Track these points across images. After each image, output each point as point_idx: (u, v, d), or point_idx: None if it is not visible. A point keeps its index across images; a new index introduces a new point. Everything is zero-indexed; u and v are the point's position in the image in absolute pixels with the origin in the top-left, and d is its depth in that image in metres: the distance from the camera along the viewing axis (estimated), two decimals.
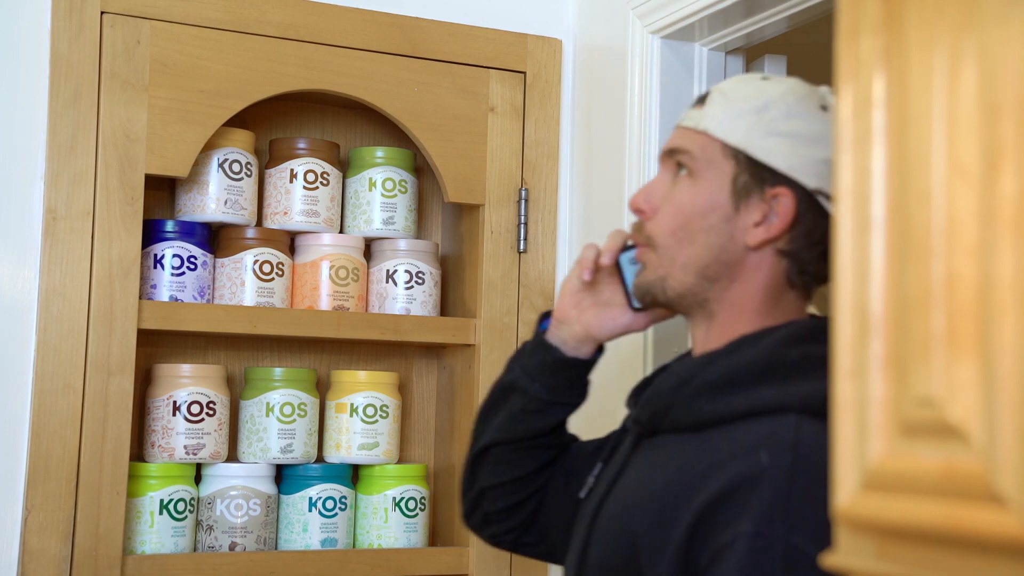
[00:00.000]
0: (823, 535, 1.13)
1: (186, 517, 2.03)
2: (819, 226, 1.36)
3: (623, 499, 1.38)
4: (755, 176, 1.36)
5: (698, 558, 1.24)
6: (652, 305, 1.46)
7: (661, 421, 1.37)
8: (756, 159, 1.36)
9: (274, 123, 2.27)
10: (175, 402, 2.04)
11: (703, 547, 1.23)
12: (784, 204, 1.35)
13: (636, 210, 1.44)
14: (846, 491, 0.89)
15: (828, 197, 1.35)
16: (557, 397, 1.56)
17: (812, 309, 1.46)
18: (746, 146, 1.36)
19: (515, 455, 1.59)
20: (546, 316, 1.62)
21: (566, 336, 1.56)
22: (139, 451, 2.08)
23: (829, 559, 0.91)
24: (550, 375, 1.56)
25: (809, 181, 1.35)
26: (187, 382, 2.06)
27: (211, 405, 2.06)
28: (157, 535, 2.00)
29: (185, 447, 2.04)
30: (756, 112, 1.37)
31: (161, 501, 2.00)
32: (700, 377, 1.34)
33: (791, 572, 1.19)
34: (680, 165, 1.41)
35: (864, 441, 0.88)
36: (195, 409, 2.05)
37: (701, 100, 1.43)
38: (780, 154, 1.35)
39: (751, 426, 1.28)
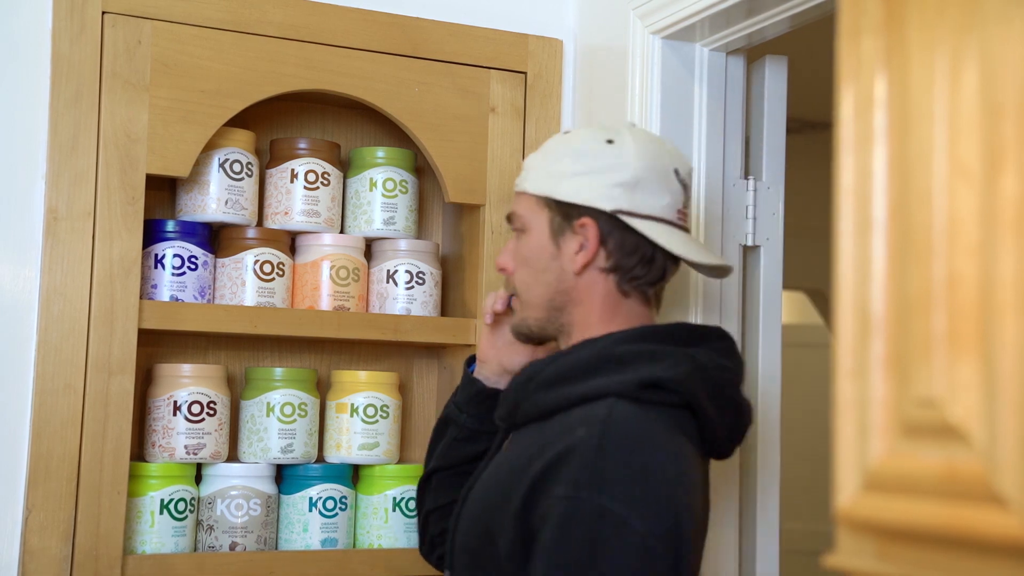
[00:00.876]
0: (630, 496, 1.41)
1: (186, 517, 2.03)
2: (628, 239, 1.62)
3: (482, 487, 1.63)
4: (564, 215, 1.63)
5: (532, 523, 1.46)
6: (528, 341, 1.72)
7: (516, 415, 1.62)
8: (561, 201, 1.63)
9: (275, 123, 2.27)
10: (176, 402, 2.04)
11: (533, 513, 1.46)
12: (590, 231, 1.61)
13: (500, 269, 1.72)
14: (847, 491, 0.89)
15: (628, 213, 1.60)
16: (483, 426, 1.80)
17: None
18: (551, 193, 1.63)
19: (452, 479, 1.82)
20: (473, 359, 1.89)
21: (487, 372, 1.82)
22: (139, 451, 2.08)
23: (830, 559, 0.91)
24: (476, 406, 1.81)
25: (606, 205, 1.61)
26: (188, 382, 2.06)
27: (211, 405, 2.07)
28: (157, 535, 2.00)
29: (185, 447, 2.04)
30: (554, 163, 1.64)
31: (161, 501, 2.00)
32: (542, 374, 1.59)
33: (600, 529, 1.40)
34: (516, 228, 1.68)
35: (865, 441, 0.88)
36: (196, 409, 2.05)
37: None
38: (576, 191, 1.61)
39: (580, 411, 1.52)
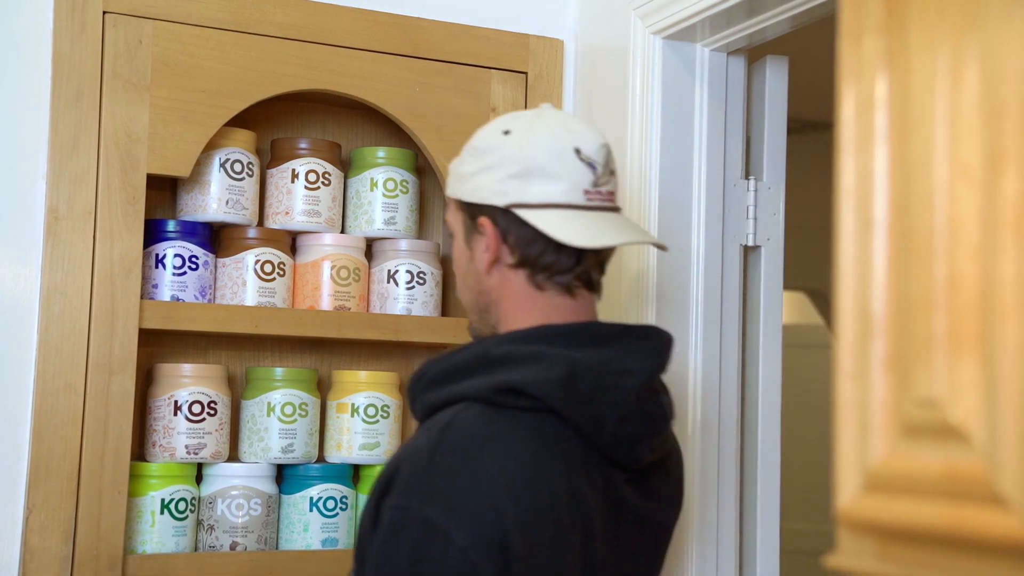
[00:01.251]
0: (454, 507, 1.37)
1: (187, 517, 2.03)
2: (526, 232, 1.54)
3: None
4: (470, 216, 1.58)
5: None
6: None
7: (414, 411, 1.59)
8: (466, 202, 1.58)
9: (275, 123, 2.27)
10: (176, 402, 2.04)
11: (379, 519, 1.44)
12: (487, 229, 1.56)
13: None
14: (847, 492, 0.89)
15: (521, 205, 1.54)
16: None
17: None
18: (459, 195, 1.60)
19: None
20: None
21: None
22: (140, 451, 2.08)
23: (831, 560, 0.91)
24: None
25: (499, 201, 1.55)
26: (188, 382, 2.06)
27: (212, 405, 2.07)
28: (158, 535, 2.00)
29: (186, 447, 2.04)
30: (460, 164, 1.61)
31: (162, 500, 2.01)
32: (428, 374, 1.56)
33: (423, 540, 1.37)
34: (448, 233, 1.66)
35: (866, 442, 0.88)
36: (196, 409, 2.05)
37: None
38: (474, 191, 1.57)
39: (440, 414, 1.49)
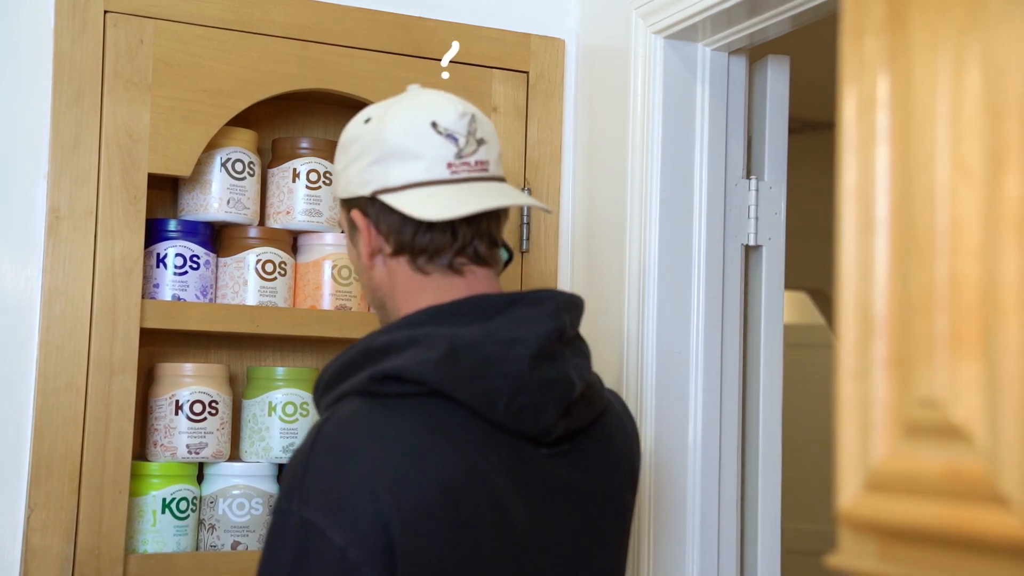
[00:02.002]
0: (331, 506, 1.33)
1: (188, 516, 2.03)
2: (394, 217, 1.49)
3: None
4: (347, 212, 1.55)
5: None
6: None
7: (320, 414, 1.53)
8: (343, 200, 1.56)
9: (277, 122, 2.27)
10: (177, 401, 2.04)
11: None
12: (360, 222, 1.52)
13: None
14: (849, 492, 0.89)
15: (384, 191, 1.49)
16: None
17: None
18: (336, 194, 1.58)
19: None
20: None
21: None
22: (141, 450, 2.08)
23: (832, 560, 0.91)
24: None
25: (364, 190, 1.51)
26: (189, 381, 2.06)
27: (213, 404, 2.07)
28: (159, 534, 2.00)
29: (187, 446, 2.04)
30: (335, 165, 1.58)
31: (163, 500, 2.01)
32: (322, 378, 1.51)
33: (304, 541, 1.34)
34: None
35: (867, 442, 0.88)
36: (197, 408, 2.05)
37: None
38: (345, 186, 1.54)
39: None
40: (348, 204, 1.54)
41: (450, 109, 1.51)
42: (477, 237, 1.51)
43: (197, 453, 2.04)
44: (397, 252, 1.51)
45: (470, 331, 1.43)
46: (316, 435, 1.40)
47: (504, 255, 1.60)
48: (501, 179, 1.56)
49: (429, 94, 1.56)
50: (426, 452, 1.39)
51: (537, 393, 1.43)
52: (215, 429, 2.07)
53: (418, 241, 1.49)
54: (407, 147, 1.49)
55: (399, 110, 1.52)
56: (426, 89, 1.59)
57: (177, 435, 2.04)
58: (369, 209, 1.51)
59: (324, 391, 1.50)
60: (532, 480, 1.46)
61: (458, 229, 1.50)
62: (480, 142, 1.52)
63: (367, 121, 1.54)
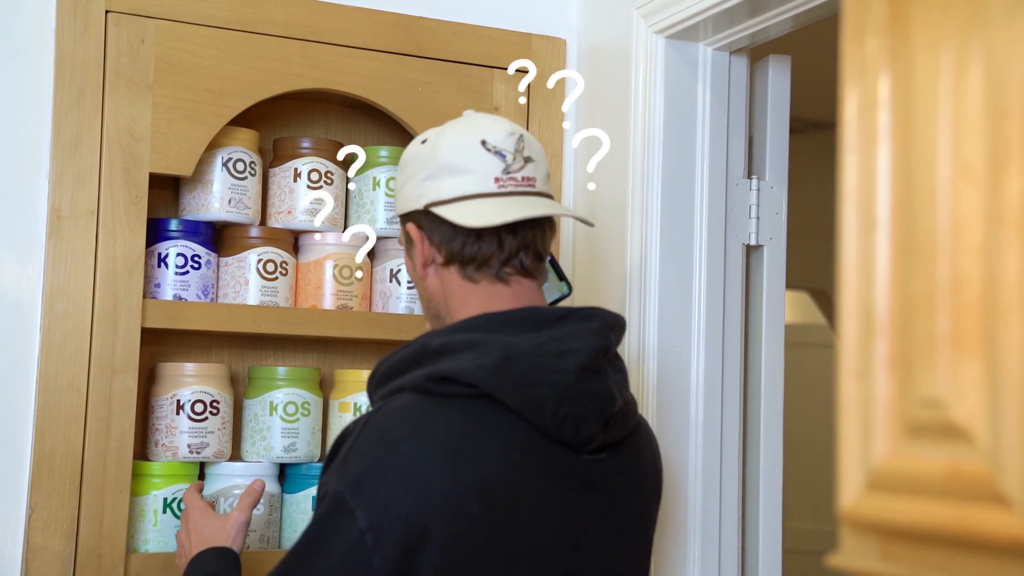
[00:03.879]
0: (362, 489, 1.43)
1: None
2: (445, 228, 1.59)
3: None
4: (403, 227, 1.64)
5: None
6: None
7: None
8: (400, 216, 1.65)
9: (278, 122, 2.27)
10: (179, 401, 2.04)
11: None
12: (414, 234, 1.62)
13: None
14: (850, 491, 0.89)
15: (435, 203, 1.59)
16: None
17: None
18: (397, 211, 1.66)
19: None
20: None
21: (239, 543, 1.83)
22: (143, 450, 2.08)
23: (834, 559, 0.91)
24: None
25: (417, 204, 1.61)
26: (190, 381, 2.06)
27: (215, 404, 2.07)
28: (160, 534, 2.00)
29: (188, 446, 2.04)
30: (396, 183, 1.67)
31: (164, 500, 2.01)
32: (379, 370, 1.60)
33: (334, 512, 1.45)
34: None
35: (868, 441, 0.88)
36: (199, 408, 2.05)
37: None
38: (403, 202, 1.64)
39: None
40: (404, 219, 1.64)
41: (499, 129, 1.61)
42: (523, 249, 1.60)
43: (198, 453, 2.04)
44: (448, 262, 1.60)
45: (522, 340, 1.51)
46: (367, 421, 1.50)
47: (564, 289, 1.76)
48: (548, 195, 1.64)
49: (482, 116, 1.66)
50: (469, 451, 1.47)
51: (581, 404, 1.51)
52: (216, 429, 2.07)
53: (467, 251, 1.58)
54: (458, 163, 1.58)
55: (453, 131, 1.62)
56: (480, 113, 1.68)
57: (178, 435, 2.04)
58: (423, 222, 1.60)
59: (379, 384, 1.59)
60: (569, 484, 1.54)
61: (504, 240, 1.58)
62: (527, 160, 1.61)
63: (424, 142, 1.64)
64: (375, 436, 1.48)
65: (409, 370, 1.54)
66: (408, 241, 1.64)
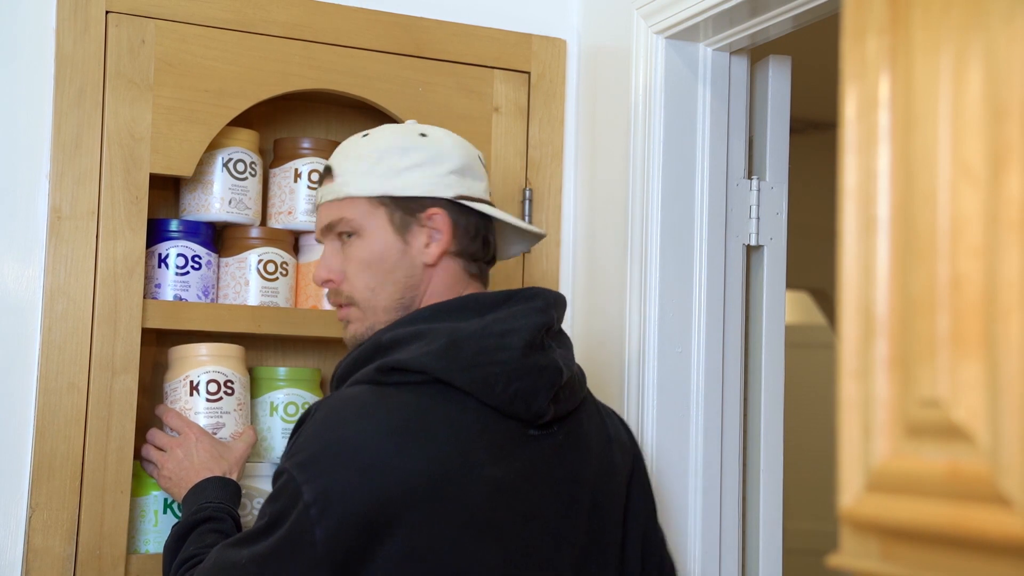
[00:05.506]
0: (309, 467, 1.49)
1: None
2: (471, 223, 1.68)
3: None
4: (405, 210, 1.66)
5: None
6: None
7: None
8: (399, 196, 1.65)
9: (278, 123, 2.27)
10: (192, 382, 1.99)
11: None
12: (440, 219, 1.66)
13: (325, 281, 1.71)
14: (851, 491, 0.89)
15: (467, 198, 1.67)
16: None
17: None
18: (387, 191, 1.65)
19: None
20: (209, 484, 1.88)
21: (236, 473, 1.92)
22: None
23: (834, 559, 0.91)
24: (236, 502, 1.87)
25: (447, 192, 1.66)
26: (204, 361, 2.00)
27: (229, 384, 2.00)
28: (161, 534, 1.99)
29: (206, 427, 1.98)
30: (375, 163, 1.66)
31: (165, 500, 2.00)
32: (338, 372, 1.65)
33: (285, 488, 1.51)
34: (343, 235, 1.68)
35: (869, 442, 0.88)
36: (212, 388, 2.00)
37: (327, 175, 1.71)
38: (415, 184, 1.65)
39: None
40: (410, 202, 1.66)
41: (475, 150, 1.75)
42: (492, 254, 1.75)
43: (215, 433, 1.99)
44: (458, 254, 1.68)
45: (468, 325, 1.58)
46: (317, 407, 1.57)
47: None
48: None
49: (443, 130, 1.75)
50: (417, 431, 1.53)
51: (529, 379, 1.57)
52: (233, 409, 2.00)
53: (480, 249, 1.70)
54: (474, 168, 1.71)
55: (450, 137, 1.72)
56: (427, 124, 1.78)
57: (194, 416, 1.99)
58: (450, 210, 1.66)
59: (337, 385, 1.65)
60: (522, 458, 1.59)
61: (489, 242, 1.72)
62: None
63: (423, 136, 1.70)
64: (324, 419, 1.54)
65: (363, 366, 1.60)
66: (406, 224, 1.66)
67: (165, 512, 2.00)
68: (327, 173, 1.72)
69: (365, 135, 1.73)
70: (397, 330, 1.60)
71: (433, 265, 1.66)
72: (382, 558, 1.48)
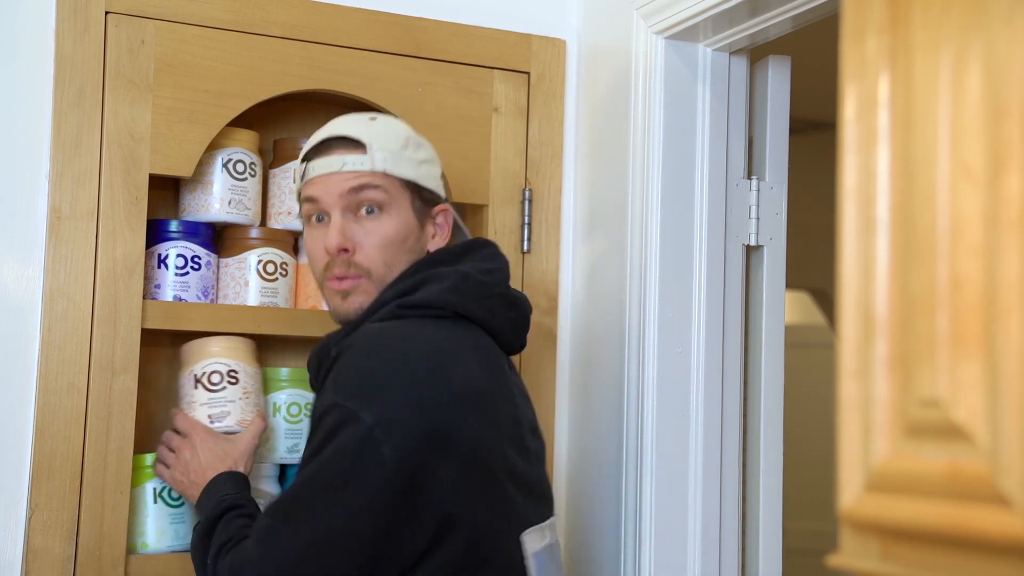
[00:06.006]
0: (362, 394, 1.57)
1: (183, 504, 2.00)
2: (457, 224, 1.87)
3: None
4: (423, 199, 1.78)
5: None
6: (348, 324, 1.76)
7: (313, 383, 1.77)
8: (420, 185, 1.77)
9: (278, 123, 2.27)
10: (195, 375, 1.99)
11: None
12: (446, 217, 1.81)
13: (341, 250, 1.73)
14: (851, 491, 0.89)
15: (449, 203, 1.84)
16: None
17: None
18: (415, 178, 1.76)
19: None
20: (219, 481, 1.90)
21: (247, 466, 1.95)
22: (148, 445, 2.08)
23: (834, 559, 0.91)
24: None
25: (444, 195, 1.83)
26: (204, 355, 1.99)
27: (232, 374, 1.98)
28: (154, 524, 1.98)
29: (209, 416, 1.96)
30: (403, 148, 1.76)
31: (154, 489, 1.97)
32: (331, 342, 1.71)
33: (338, 423, 1.57)
34: (363, 204, 1.74)
35: (869, 442, 0.88)
36: (215, 379, 1.99)
37: (351, 145, 1.75)
38: (428, 178, 1.78)
39: None
40: (427, 193, 1.78)
41: None
42: None
43: (220, 422, 1.96)
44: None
45: (463, 266, 1.73)
46: (349, 346, 1.63)
47: None
48: None
49: None
50: (453, 351, 1.65)
51: (515, 310, 1.78)
52: (237, 398, 1.99)
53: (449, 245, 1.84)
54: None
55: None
56: None
57: (198, 407, 1.97)
58: (450, 210, 1.82)
59: (331, 345, 1.69)
60: (516, 382, 1.77)
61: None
62: None
63: (420, 139, 1.82)
64: (363, 352, 1.61)
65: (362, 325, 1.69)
66: (421, 211, 1.77)
67: (156, 502, 1.98)
68: (349, 144, 1.75)
69: (373, 118, 1.79)
70: (398, 285, 1.71)
71: (429, 253, 1.78)
72: (446, 466, 1.57)
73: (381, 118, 1.80)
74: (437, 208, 1.79)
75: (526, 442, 1.72)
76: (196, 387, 1.98)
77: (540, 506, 1.73)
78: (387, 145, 1.74)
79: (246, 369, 2.02)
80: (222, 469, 1.87)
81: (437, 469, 1.57)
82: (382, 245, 1.72)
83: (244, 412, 2.00)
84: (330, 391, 1.61)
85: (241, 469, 1.89)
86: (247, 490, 1.85)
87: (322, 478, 1.57)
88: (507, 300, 1.76)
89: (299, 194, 1.80)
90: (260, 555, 1.59)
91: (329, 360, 1.66)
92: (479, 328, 1.71)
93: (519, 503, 1.67)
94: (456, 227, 1.88)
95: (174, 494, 2.00)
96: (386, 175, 1.73)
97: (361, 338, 1.64)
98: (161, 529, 1.99)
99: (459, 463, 1.58)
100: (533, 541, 1.69)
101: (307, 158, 1.78)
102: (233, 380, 1.99)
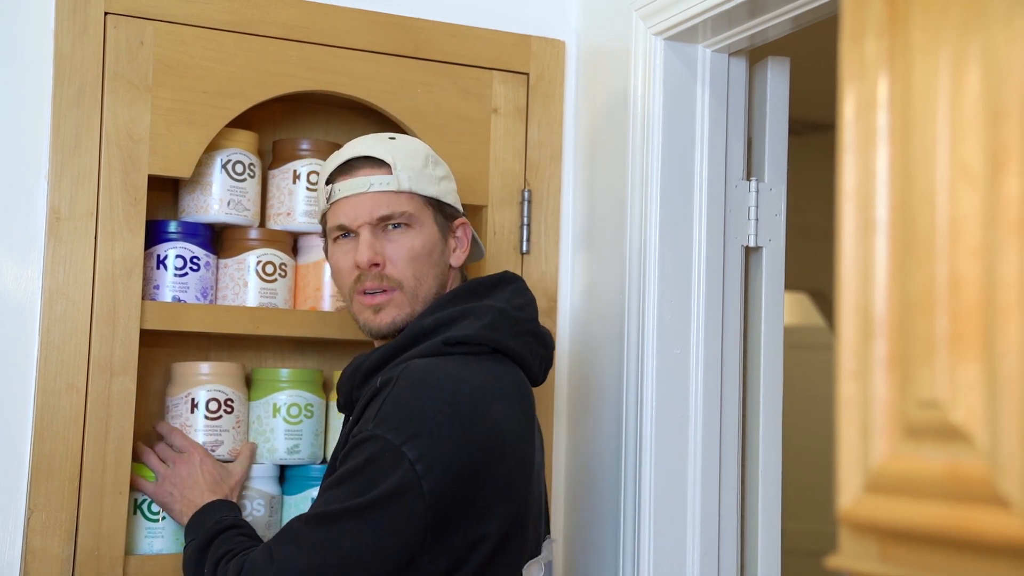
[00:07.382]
0: (407, 430, 1.61)
1: (163, 519, 2.01)
2: (474, 238, 1.93)
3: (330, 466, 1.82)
4: (445, 215, 1.85)
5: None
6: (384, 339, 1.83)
7: (341, 404, 1.86)
8: (442, 201, 1.84)
9: (277, 124, 2.27)
10: (193, 399, 2.03)
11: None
12: (465, 230, 1.89)
13: (372, 265, 1.79)
14: (849, 492, 0.89)
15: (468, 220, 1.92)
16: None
17: None
18: (437, 195, 1.84)
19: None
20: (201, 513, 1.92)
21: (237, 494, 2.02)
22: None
23: (833, 560, 0.91)
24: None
25: (460, 208, 1.89)
26: (205, 379, 2.04)
27: (229, 402, 2.05)
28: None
29: (204, 443, 2.02)
30: (424, 166, 1.84)
31: (135, 501, 1.99)
32: (363, 364, 1.78)
33: (381, 452, 1.62)
34: (388, 224, 1.80)
35: (867, 443, 0.88)
36: (213, 406, 2.04)
37: (376, 165, 1.81)
38: (447, 194, 1.86)
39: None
40: (449, 209, 1.85)
41: None
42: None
43: (213, 451, 2.03)
44: (463, 264, 1.89)
45: (497, 301, 1.78)
46: (395, 381, 1.67)
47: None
48: None
49: None
50: (495, 391, 1.70)
51: (545, 348, 1.83)
52: (231, 427, 2.05)
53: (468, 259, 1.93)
54: None
55: None
56: None
57: (194, 433, 2.02)
58: (468, 225, 1.89)
59: (365, 378, 1.75)
60: (535, 417, 1.81)
61: None
62: None
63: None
64: (411, 388, 1.66)
65: (403, 353, 1.74)
66: (444, 227, 1.84)
67: (135, 513, 1.99)
68: (374, 163, 1.81)
69: (393, 137, 1.86)
70: (436, 314, 1.76)
71: (454, 269, 1.86)
72: (479, 502, 1.64)
73: (400, 137, 1.87)
74: (457, 222, 1.87)
75: (531, 482, 1.76)
76: (193, 412, 2.02)
77: (537, 539, 1.80)
78: (410, 164, 1.82)
79: (240, 398, 2.08)
80: (218, 494, 1.93)
81: (470, 504, 1.64)
82: (411, 258, 1.80)
83: (235, 442, 2.07)
84: (373, 422, 1.65)
85: (233, 499, 1.95)
86: (242, 518, 1.89)
87: (357, 499, 1.62)
88: (538, 336, 1.82)
89: (323, 215, 1.86)
90: (286, 556, 1.63)
91: (371, 389, 1.71)
92: (514, 363, 1.77)
93: (530, 535, 1.75)
94: (473, 240, 1.93)
95: (154, 507, 2.00)
96: (411, 194, 1.81)
97: (409, 373, 1.68)
98: (134, 542, 1.99)
99: (492, 496, 1.66)
100: (532, 573, 1.76)
101: (331, 179, 1.84)
102: (229, 409, 2.06)
